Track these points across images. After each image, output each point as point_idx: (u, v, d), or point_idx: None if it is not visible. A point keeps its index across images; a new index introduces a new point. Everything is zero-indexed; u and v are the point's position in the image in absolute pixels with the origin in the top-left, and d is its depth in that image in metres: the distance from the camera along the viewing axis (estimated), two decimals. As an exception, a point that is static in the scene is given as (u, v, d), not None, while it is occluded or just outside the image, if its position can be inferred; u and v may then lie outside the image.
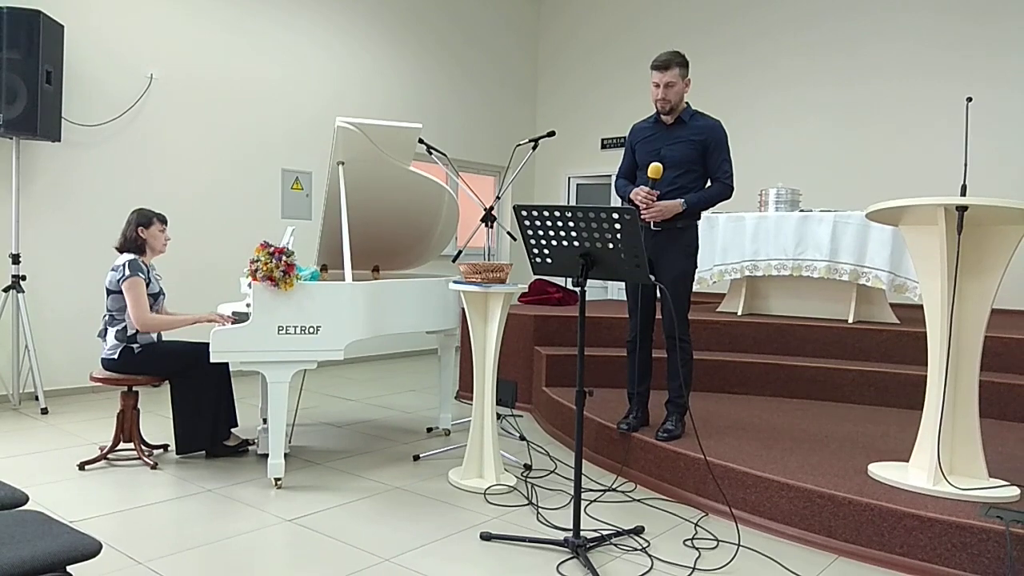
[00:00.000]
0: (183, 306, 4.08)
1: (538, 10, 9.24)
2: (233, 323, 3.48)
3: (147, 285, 3.61)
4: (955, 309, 2.74)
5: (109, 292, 3.60)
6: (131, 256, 3.62)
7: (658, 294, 3.48)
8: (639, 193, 3.33)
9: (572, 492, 2.74)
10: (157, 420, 4.38)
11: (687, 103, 3.44)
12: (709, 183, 3.45)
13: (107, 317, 3.64)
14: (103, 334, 3.66)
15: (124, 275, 3.53)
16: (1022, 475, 2.92)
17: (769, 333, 4.89)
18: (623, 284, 5.98)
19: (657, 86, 3.35)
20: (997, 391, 3.92)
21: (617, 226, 2.52)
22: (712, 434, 3.52)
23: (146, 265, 3.67)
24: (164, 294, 3.81)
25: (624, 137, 3.33)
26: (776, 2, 7.35)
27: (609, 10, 8.57)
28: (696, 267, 3.56)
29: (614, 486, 3.43)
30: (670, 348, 3.41)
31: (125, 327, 3.60)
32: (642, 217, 3.34)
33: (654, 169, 3.24)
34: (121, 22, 5.46)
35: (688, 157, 3.38)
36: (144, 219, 3.71)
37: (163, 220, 3.78)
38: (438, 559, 2.62)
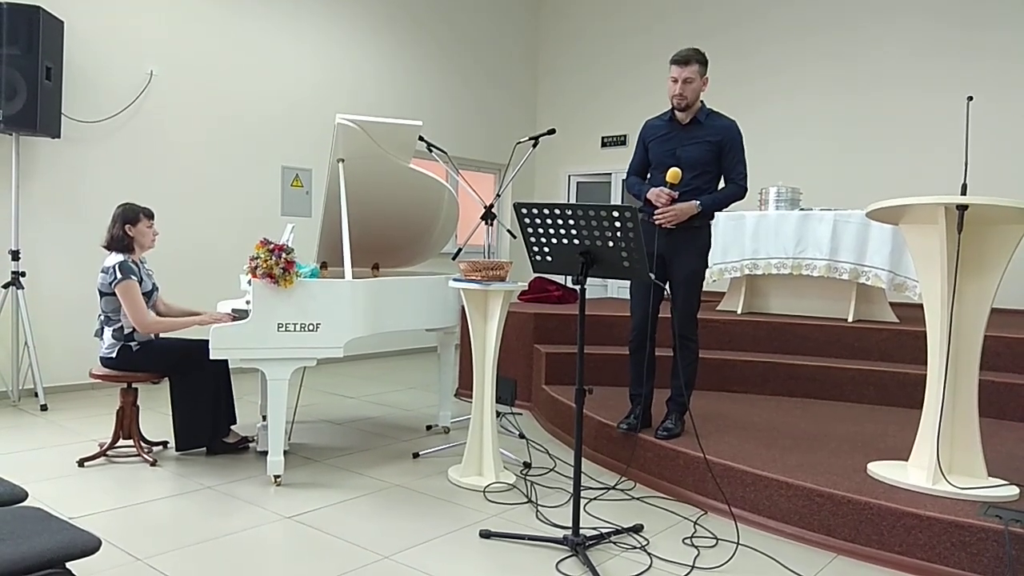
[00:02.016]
0: (183, 303, 4.06)
1: (538, 7, 9.23)
2: (232, 320, 3.48)
3: (139, 283, 3.56)
4: (955, 308, 2.74)
5: (102, 294, 3.57)
6: (120, 257, 3.54)
7: (667, 292, 3.47)
8: (660, 196, 3.30)
9: (571, 490, 2.74)
10: (157, 417, 4.38)
11: (702, 102, 3.41)
12: (723, 183, 3.43)
13: (102, 317, 3.62)
14: (99, 333, 3.65)
15: (116, 278, 3.48)
16: (1021, 474, 2.92)
17: (769, 332, 4.89)
18: (622, 282, 5.98)
19: (675, 81, 3.30)
20: (996, 390, 3.92)
21: (617, 224, 2.52)
22: (711, 432, 3.52)
23: (136, 263, 3.61)
24: (157, 289, 3.78)
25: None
26: (776, 7, 7.34)
27: (610, 7, 8.56)
28: (708, 267, 3.55)
29: (614, 484, 3.43)
30: (677, 346, 3.41)
31: (122, 326, 3.59)
32: (654, 219, 3.33)
33: (673, 174, 3.22)
34: (121, 18, 5.45)
35: (704, 158, 3.36)
36: (131, 216, 3.62)
37: (150, 215, 3.69)
38: (437, 557, 2.62)
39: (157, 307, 3.81)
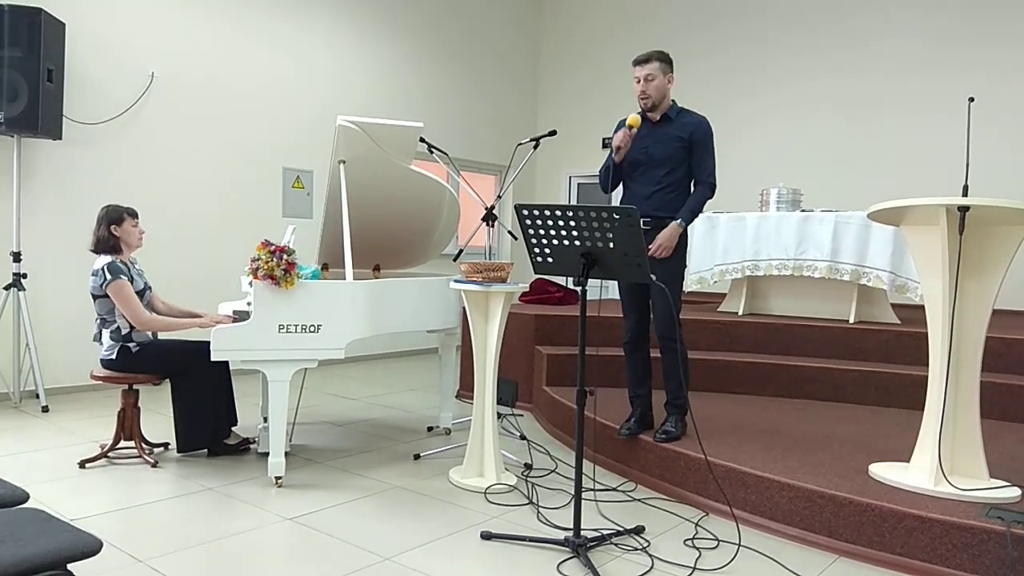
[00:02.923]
0: (184, 305, 4.07)
1: (539, 9, 9.23)
2: (233, 322, 3.48)
3: (131, 282, 3.56)
4: (956, 309, 2.74)
5: (95, 297, 3.57)
6: (108, 258, 3.55)
7: (650, 293, 3.48)
8: (618, 136, 3.30)
9: (572, 491, 2.74)
10: (158, 418, 4.38)
11: (673, 101, 3.44)
12: (694, 185, 3.44)
13: (98, 320, 3.63)
14: (98, 337, 3.65)
15: (106, 279, 3.48)
16: (1023, 476, 2.91)
17: (770, 333, 4.89)
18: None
19: (638, 81, 3.37)
20: (998, 391, 3.92)
21: (618, 225, 2.52)
22: (713, 434, 3.51)
23: (125, 263, 3.62)
24: (150, 288, 3.77)
25: (612, 152, 3.33)
26: (778, 1, 7.35)
27: (610, 9, 8.57)
28: (686, 266, 3.56)
29: (615, 486, 3.43)
30: (664, 349, 3.41)
31: (118, 327, 3.59)
32: (651, 254, 3.34)
33: (633, 120, 3.25)
34: (122, 20, 5.45)
35: (676, 155, 3.38)
36: (115, 216, 3.61)
37: (134, 214, 3.69)
38: (439, 558, 2.62)
39: (155, 306, 3.81)
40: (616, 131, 3.46)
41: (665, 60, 3.37)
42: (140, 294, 3.63)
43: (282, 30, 6.49)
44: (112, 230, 3.61)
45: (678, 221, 3.34)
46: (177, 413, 3.68)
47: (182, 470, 3.54)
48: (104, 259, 3.56)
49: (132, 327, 3.60)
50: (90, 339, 3.75)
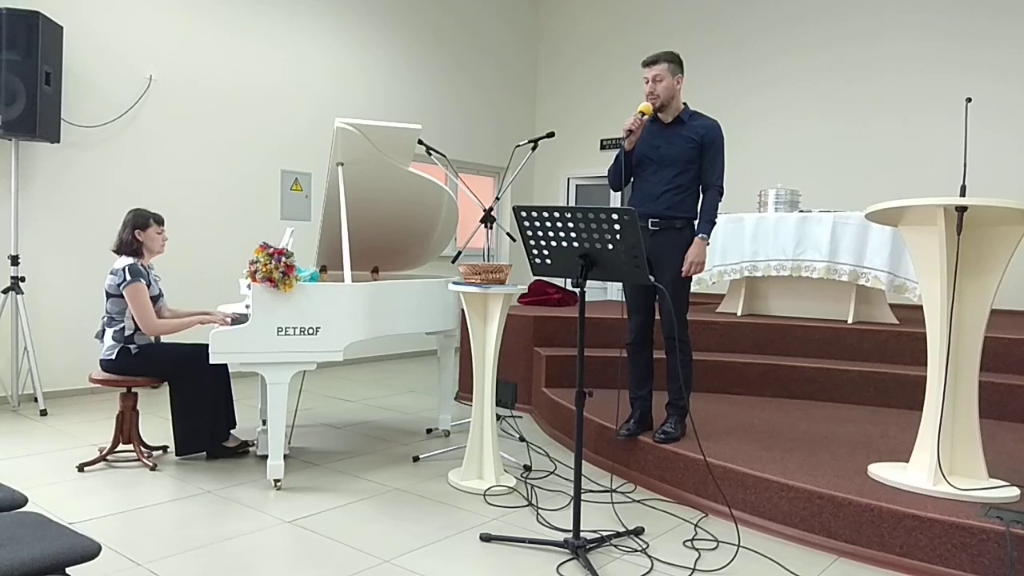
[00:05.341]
0: (184, 308, 4.07)
1: (537, 10, 9.24)
2: (232, 324, 3.48)
3: (148, 286, 3.60)
4: (955, 309, 2.74)
5: (109, 295, 3.59)
6: (130, 260, 3.59)
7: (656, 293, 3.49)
8: (630, 120, 3.30)
9: (572, 493, 2.74)
10: (156, 421, 4.37)
11: (685, 104, 3.45)
12: (702, 189, 3.45)
13: (105, 318, 3.64)
14: (100, 335, 3.66)
15: (125, 280, 3.51)
16: (1022, 475, 2.92)
17: (768, 334, 4.89)
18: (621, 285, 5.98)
19: (647, 81, 3.39)
20: (997, 391, 3.92)
21: (617, 227, 2.52)
22: (712, 435, 3.51)
23: (145, 267, 3.66)
24: (163, 295, 3.80)
25: (623, 138, 3.35)
26: (776, 2, 7.36)
27: (608, 10, 8.58)
28: None
29: (614, 487, 3.43)
30: (669, 349, 3.41)
31: (123, 328, 3.59)
32: (685, 273, 3.37)
33: (645, 107, 3.29)
34: (120, 23, 5.46)
35: (687, 156, 3.39)
36: (141, 221, 3.67)
37: (159, 221, 3.74)
38: (438, 560, 2.62)
39: (163, 315, 3.82)
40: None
41: (673, 61, 3.38)
42: (154, 300, 3.66)
43: (280, 33, 6.50)
44: (136, 234, 3.65)
45: (701, 236, 3.37)
46: (176, 416, 3.68)
47: (181, 473, 3.54)
48: (126, 260, 3.59)
49: (136, 330, 3.61)
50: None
